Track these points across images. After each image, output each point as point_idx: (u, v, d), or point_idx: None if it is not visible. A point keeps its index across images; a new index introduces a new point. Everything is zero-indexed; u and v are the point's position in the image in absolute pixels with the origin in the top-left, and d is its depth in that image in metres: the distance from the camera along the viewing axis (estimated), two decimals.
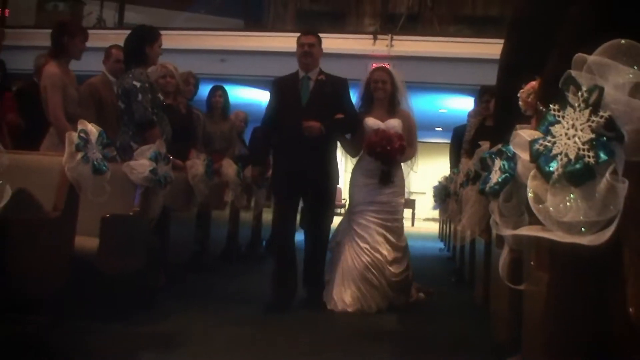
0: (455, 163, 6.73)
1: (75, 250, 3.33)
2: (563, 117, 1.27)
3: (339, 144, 4.84)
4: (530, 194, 1.28)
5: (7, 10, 11.21)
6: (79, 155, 3.22)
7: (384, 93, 4.77)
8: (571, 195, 1.20)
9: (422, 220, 18.06)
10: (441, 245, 10.25)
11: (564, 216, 1.20)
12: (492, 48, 7.18)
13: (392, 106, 4.80)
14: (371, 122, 4.72)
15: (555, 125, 1.28)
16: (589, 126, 1.20)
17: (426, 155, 11.64)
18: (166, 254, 4.78)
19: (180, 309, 4.09)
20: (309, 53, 4.57)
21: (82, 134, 3.26)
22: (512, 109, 2.54)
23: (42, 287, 3.17)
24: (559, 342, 1.41)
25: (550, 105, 1.30)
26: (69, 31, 4.62)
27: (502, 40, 3.00)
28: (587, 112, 1.21)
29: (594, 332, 1.26)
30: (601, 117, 1.18)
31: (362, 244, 4.60)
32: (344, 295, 4.48)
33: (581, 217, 1.17)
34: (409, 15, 10.91)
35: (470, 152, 5.38)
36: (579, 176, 1.19)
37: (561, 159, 1.23)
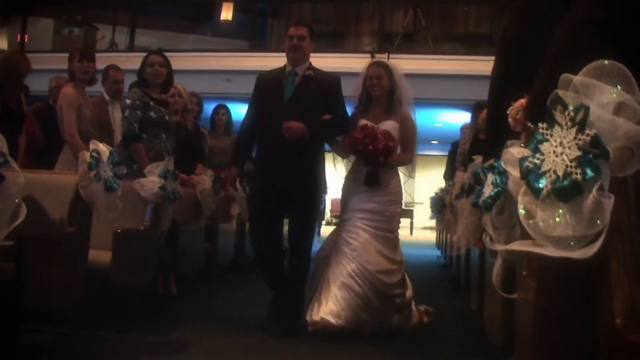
0: (449, 176, 6.70)
1: (89, 264, 3.34)
2: (551, 135, 1.26)
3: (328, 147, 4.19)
4: (521, 211, 1.27)
5: (26, 36, 11.28)
6: (92, 174, 3.23)
7: (380, 90, 4.02)
8: (560, 211, 1.19)
9: (420, 229, 18.03)
10: (438, 252, 10.22)
11: (554, 231, 1.19)
12: (483, 65, 7.17)
13: (390, 105, 4.05)
14: (363, 124, 3.99)
15: (544, 143, 1.27)
16: (576, 144, 1.19)
17: (423, 166, 11.64)
18: (176, 265, 4.77)
19: (190, 318, 4.07)
20: (298, 47, 3.86)
21: (94, 154, 3.26)
22: (502, 125, 2.53)
23: (59, 299, 3.17)
24: (547, 350, 1.40)
25: (539, 124, 1.30)
26: (73, 56, 4.63)
27: (492, 57, 2.99)
28: (573, 130, 1.21)
29: (582, 342, 1.25)
30: (587, 135, 1.18)
31: (347, 250, 3.86)
32: (323, 310, 3.71)
33: (570, 232, 1.16)
34: (404, 34, 10.94)
35: (465, 164, 5.35)
36: (567, 192, 1.19)
37: (550, 176, 1.22)
